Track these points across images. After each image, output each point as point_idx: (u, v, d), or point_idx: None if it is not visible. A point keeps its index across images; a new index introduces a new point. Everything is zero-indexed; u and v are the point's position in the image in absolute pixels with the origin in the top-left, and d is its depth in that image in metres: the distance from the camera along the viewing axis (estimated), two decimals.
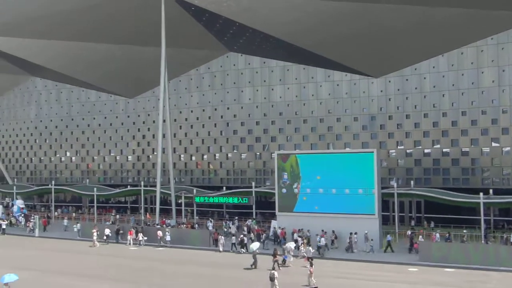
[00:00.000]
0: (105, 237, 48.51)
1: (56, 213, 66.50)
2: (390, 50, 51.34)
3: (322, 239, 41.27)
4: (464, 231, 43.89)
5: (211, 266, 37.66)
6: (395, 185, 48.30)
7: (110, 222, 55.57)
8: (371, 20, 47.75)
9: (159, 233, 46.67)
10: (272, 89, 61.20)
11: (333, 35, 49.99)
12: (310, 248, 38.61)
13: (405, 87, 55.04)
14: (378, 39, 49.56)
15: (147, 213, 60.05)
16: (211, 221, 52.82)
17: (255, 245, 37.88)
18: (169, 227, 50.13)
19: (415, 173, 54.36)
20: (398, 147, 55.55)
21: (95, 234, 47.40)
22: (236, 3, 49.46)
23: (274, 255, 35.89)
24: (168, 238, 46.18)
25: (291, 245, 38.66)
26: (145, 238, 47.28)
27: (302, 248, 39.34)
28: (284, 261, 37.20)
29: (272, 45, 55.54)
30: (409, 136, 55.08)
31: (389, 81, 55.75)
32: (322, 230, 42.53)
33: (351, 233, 41.90)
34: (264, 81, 61.60)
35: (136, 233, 48.04)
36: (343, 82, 57.81)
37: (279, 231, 45.01)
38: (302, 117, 59.65)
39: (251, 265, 36.21)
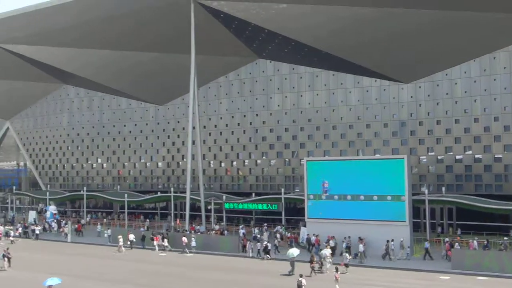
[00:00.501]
0: (129, 243, 49.07)
1: (87, 219, 67.33)
2: (420, 55, 50.86)
3: (361, 245, 40.74)
4: (505, 238, 43.09)
5: (241, 272, 37.70)
6: (426, 191, 47.68)
7: (145, 228, 55.98)
8: (401, 25, 47.40)
9: (184, 239, 46.84)
10: (301, 96, 61.14)
11: (362, 41, 49.76)
12: (347, 254, 38.22)
13: (436, 92, 54.41)
14: (408, 44, 49.17)
15: (177, 219, 60.38)
16: (242, 227, 52.73)
17: (295, 251, 37.77)
18: (198, 233, 50.40)
19: (446, 180, 53.60)
20: (429, 153, 54.89)
21: (120, 240, 47.97)
22: (265, 10, 49.62)
23: (311, 261, 36.02)
24: (193, 244, 46.50)
25: (327, 252, 38.45)
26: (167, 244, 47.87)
27: (328, 254, 38.94)
28: (320, 267, 37.16)
29: (301, 52, 55.53)
30: (440, 142, 54.39)
31: (420, 87, 55.19)
32: (359, 238, 42.20)
33: (387, 241, 41.33)
34: (293, 87, 61.58)
35: (162, 239, 48.41)
36: (372, 88, 57.45)
37: (313, 238, 44.76)
38: (331, 123, 59.41)
39: (289, 272, 36.13)
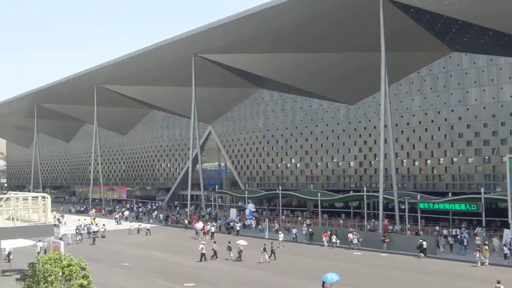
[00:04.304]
0: (293, 236, 53.37)
1: (283, 217, 69.82)
2: None
3: None
4: None
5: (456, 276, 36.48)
6: None
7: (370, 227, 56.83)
8: None
9: (350, 235, 49.12)
10: (501, 88, 57.09)
11: None
12: None
13: None
14: None
15: (385, 219, 58.71)
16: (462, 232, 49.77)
17: None
18: (393, 232, 49.80)
19: None
20: None
21: (281, 236, 51.21)
22: (459, 0, 47.26)
23: None
24: (355, 241, 48.71)
25: None
26: (338, 240, 50.04)
27: None
28: None
29: (500, 41, 51.90)
30: None
31: None
32: None
33: None
34: (492, 80, 57.73)
35: (331, 235, 50.56)
36: None
37: None
38: None
39: None
